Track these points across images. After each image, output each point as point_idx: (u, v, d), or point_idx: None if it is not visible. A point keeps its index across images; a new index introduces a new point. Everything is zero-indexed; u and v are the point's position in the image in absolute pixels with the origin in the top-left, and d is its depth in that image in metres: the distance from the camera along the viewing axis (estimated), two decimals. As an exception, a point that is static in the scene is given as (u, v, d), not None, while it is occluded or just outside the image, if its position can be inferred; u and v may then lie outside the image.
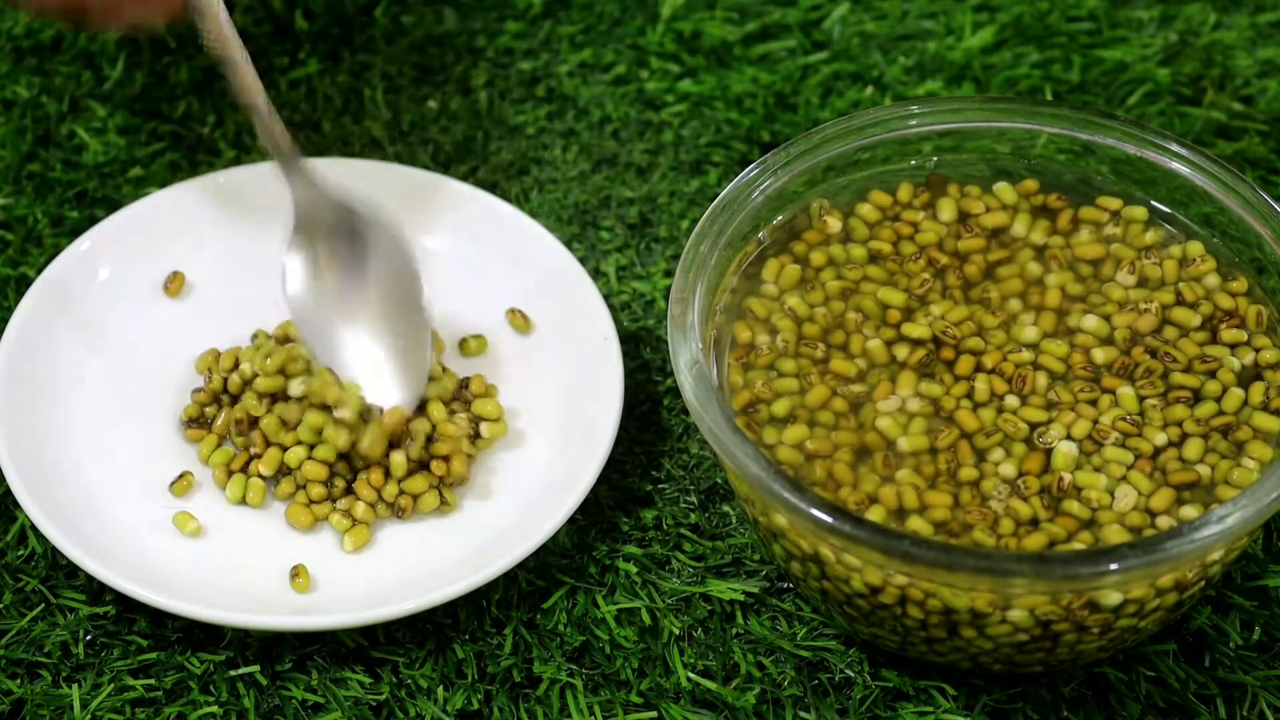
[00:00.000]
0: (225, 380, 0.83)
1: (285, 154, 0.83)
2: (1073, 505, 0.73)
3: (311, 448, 0.81)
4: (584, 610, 0.79)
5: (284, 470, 0.81)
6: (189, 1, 0.81)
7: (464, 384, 0.83)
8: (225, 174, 0.89)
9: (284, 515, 0.81)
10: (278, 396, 0.82)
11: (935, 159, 0.83)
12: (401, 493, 0.80)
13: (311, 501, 0.80)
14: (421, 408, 0.82)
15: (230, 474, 0.81)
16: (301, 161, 0.83)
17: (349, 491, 0.81)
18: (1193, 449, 0.74)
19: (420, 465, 0.81)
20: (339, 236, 0.83)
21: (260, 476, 0.81)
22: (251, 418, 0.82)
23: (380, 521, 0.81)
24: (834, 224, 0.81)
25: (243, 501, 0.81)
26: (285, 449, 0.81)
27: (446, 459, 0.81)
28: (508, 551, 0.77)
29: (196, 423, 0.83)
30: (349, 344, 0.83)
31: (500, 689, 0.77)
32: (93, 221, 0.90)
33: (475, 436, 0.82)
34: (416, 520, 0.81)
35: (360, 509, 0.80)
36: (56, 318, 0.85)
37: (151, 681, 0.77)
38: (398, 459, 0.80)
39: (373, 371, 0.82)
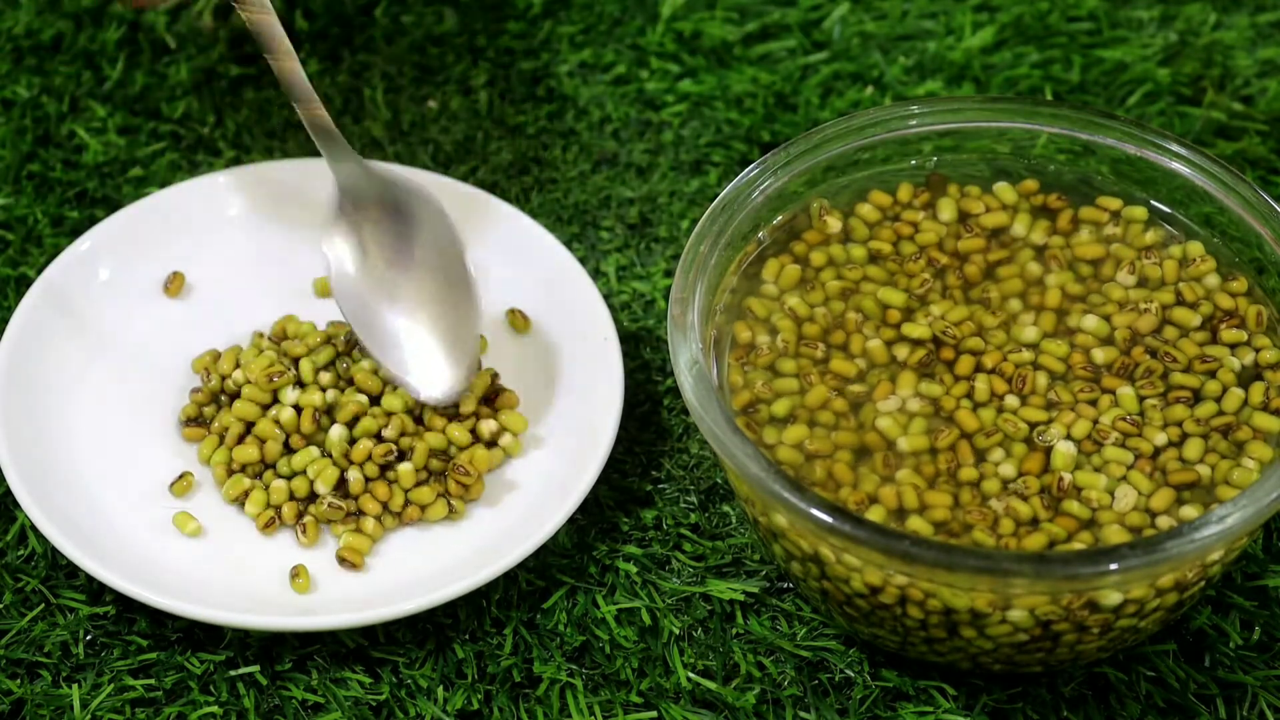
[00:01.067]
0: (224, 380, 0.83)
1: (325, 130, 0.82)
2: (1073, 505, 0.73)
3: (290, 478, 0.81)
4: (584, 610, 0.79)
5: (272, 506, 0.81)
6: None
7: (495, 393, 0.83)
8: (225, 174, 0.89)
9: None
10: (268, 406, 0.82)
11: (935, 159, 0.83)
12: (409, 503, 0.80)
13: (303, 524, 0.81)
14: (441, 422, 0.82)
15: (230, 473, 0.81)
16: (342, 140, 0.82)
17: (349, 496, 0.81)
18: (1193, 449, 0.74)
19: (430, 473, 0.81)
20: (383, 215, 0.83)
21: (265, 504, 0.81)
22: (246, 423, 0.82)
23: (380, 521, 0.81)
24: (834, 224, 0.81)
25: (239, 501, 0.81)
26: (272, 466, 0.81)
27: (465, 485, 0.80)
28: (508, 551, 0.77)
29: (195, 422, 0.83)
30: (397, 327, 0.82)
31: (500, 689, 0.77)
32: (93, 221, 0.90)
33: (492, 444, 0.82)
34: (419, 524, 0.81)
35: (369, 524, 0.80)
36: (56, 318, 0.85)
37: (151, 681, 0.77)
38: (405, 470, 0.80)
39: (422, 355, 0.81)
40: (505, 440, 0.82)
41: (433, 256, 0.82)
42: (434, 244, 0.82)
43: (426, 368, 0.81)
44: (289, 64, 0.81)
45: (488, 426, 0.81)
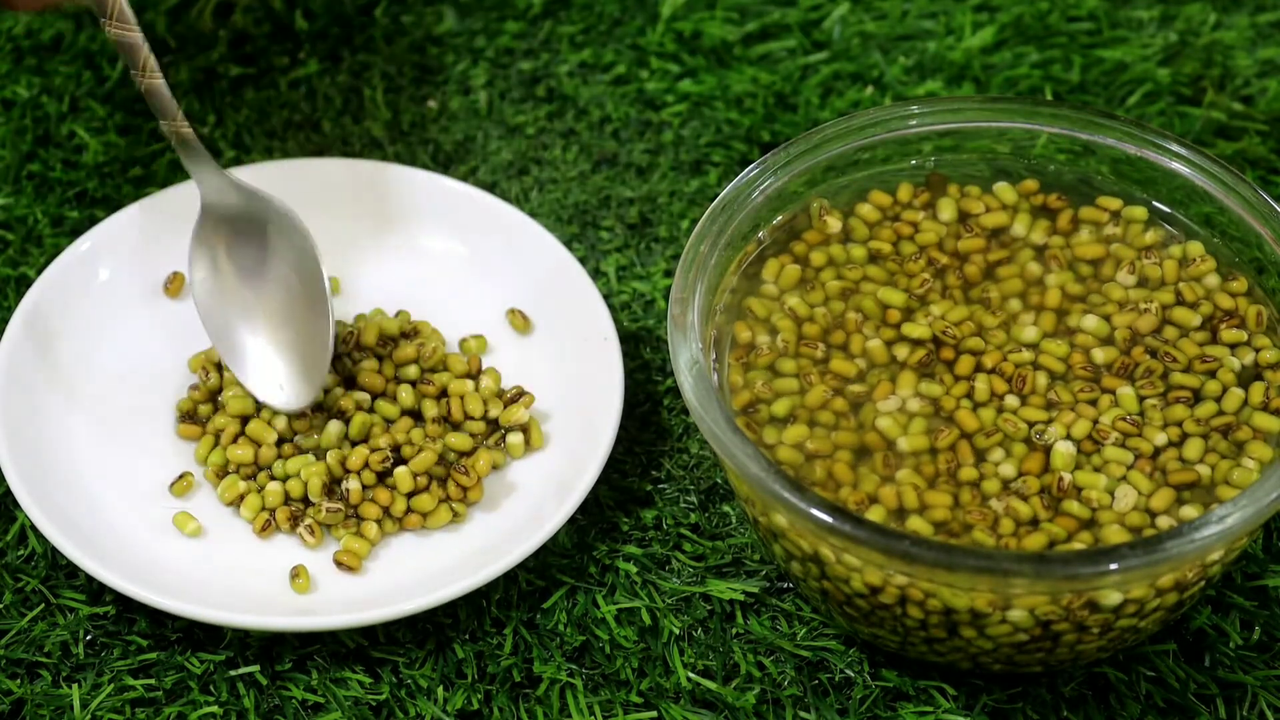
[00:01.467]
0: (221, 375, 0.83)
1: (189, 144, 0.83)
2: (1073, 505, 0.73)
3: (285, 480, 0.81)
4: (584, 610, 0.79)
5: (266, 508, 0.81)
6: None
7: (516, 395, 0.83)
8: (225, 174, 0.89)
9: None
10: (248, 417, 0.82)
11: (935, 159, 0.83)
12: (410, 510, 0.80)
13: (299, 526, 0.80)
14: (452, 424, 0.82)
15: (224, 475, 0.81)
16: (205, 154, 0.83)
17: (343, 496, 0.81)
18: (1193, 449, 0.74)
19: (430, 478, 0.81)
20: (242, 231, 0.83)
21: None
22: (241, 420, 0.82)
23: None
24: (834, 224, 0.81)
25: (235, 504, 0.81)
26: (265, 468, 0.82)
27: (465, 488, 0.80)
28: (508, 552, 0.77)
29: (190, 418, 0.83)
30: (248, 342, 0.82)
31: (500, 689, 0.77)
32: (93, 221, 0.90)
33: (499, 443, 0.82)
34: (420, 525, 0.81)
35: (371, 529, 0.80)
36: (56, 318, 0.85)
37: (151, 681, 0.77)
38: (403, 474, 0.80)
39: (270, 370, 0.82)
40: (514, 439, 0.82)
41: (287, 272, 0.83)
42: (291, 260, 0.83)
43: (276, 381, 0.82)
44: (154, 81, 0.82)
45: (514, 415, 0.82)
